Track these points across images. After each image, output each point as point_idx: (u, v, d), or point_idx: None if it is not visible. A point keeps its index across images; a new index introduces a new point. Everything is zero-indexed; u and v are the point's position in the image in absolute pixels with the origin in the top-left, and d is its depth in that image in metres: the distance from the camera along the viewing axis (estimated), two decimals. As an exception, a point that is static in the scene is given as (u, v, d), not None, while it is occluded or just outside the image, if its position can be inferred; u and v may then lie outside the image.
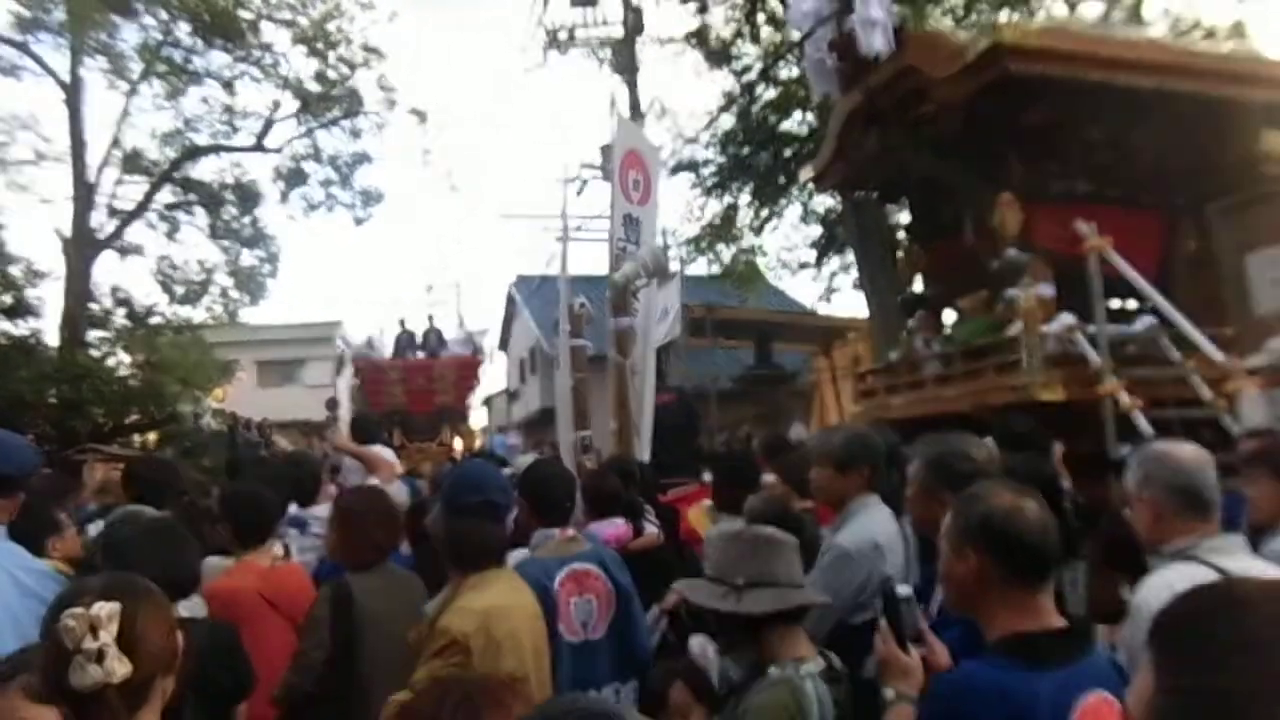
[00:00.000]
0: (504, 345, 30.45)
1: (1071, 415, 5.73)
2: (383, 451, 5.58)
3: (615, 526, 4.40)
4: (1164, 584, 2.21)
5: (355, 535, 3.24)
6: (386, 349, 17.34)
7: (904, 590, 2.17)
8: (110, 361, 19.03)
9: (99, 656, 1.53)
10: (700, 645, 2.91)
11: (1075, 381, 5.94)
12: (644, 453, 6.60)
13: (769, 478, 4.75)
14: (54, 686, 1.56)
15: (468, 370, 16.97)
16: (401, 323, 17.79)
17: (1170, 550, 2.36)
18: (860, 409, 8.00)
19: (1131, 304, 6.87)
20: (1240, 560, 2.30)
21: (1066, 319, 6.09)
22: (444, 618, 2.64)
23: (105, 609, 1.57)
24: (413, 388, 16.34)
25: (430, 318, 18.25)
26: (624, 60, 18.44)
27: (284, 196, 22.41)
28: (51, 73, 18.97)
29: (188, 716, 1.78)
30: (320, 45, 20.72)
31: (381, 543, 3.28)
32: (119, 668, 1.54)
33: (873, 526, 3.03)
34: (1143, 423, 5.30)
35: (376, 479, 4.84)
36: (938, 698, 1.86)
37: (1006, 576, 1.86)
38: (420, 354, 17.29)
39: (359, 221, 23.60)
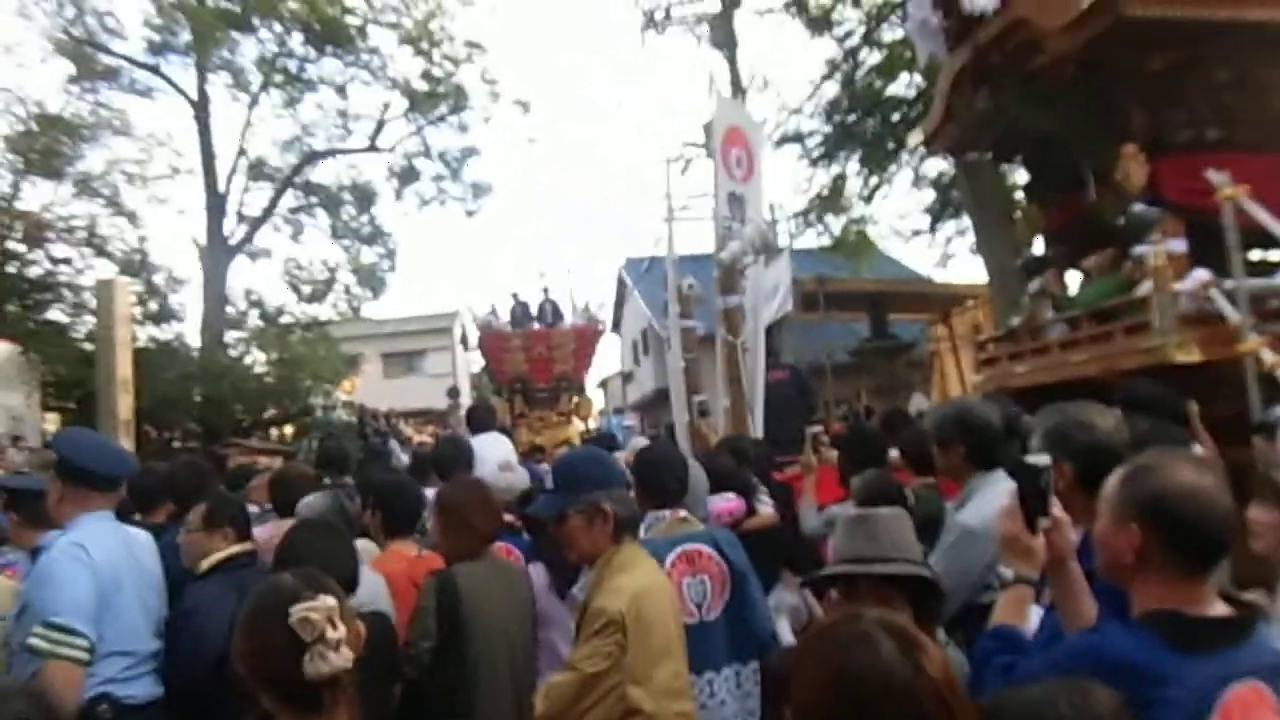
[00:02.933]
0: (616, 327, 30.63)
1: (1209, 377, 5.43)
2: (496, 441, 5.70)
3: (728, 500, 4.41)
4: None
5: (457, 525, 3.29)
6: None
7: (1042, 460, 1.96)
8: (247, 360, 20.12)
9: (338, 645, 1.62)
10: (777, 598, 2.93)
11: (1213, 341, 5.62)
12: (757, 430, 6.57)
13: (894, 453, 4.66)
14: (278, 680, 1.63)
15: (586, 339, 16.90)
16: (514, 295, 17.61)
17: None
18: (982, 378, 7.74)
19: (1274, 255, 6.44)
20: None
21: (1201, 274, 5.74)
22: (598, 599, 2.73)
23: (330, 601, 1.65)
24: (533, 355, 16.32)
25: (545, 290, 17.95)
26: (722, 35, 18.23)
27: (398, 194, 23.25)
28: (181, 91, 20.27)
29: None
30: (425, 44, 21.37)
31: (484, 531, 3.32)
32: (350, 654, 1.64)
33: (996, 501, 2.93)
34: (1290, 381, 4.97)
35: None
36: (1066, 656, 1.68)
37: (1171, 559, 1.67)
38: (537, 325, 17.29)
39: (470, 214, 24.27)
